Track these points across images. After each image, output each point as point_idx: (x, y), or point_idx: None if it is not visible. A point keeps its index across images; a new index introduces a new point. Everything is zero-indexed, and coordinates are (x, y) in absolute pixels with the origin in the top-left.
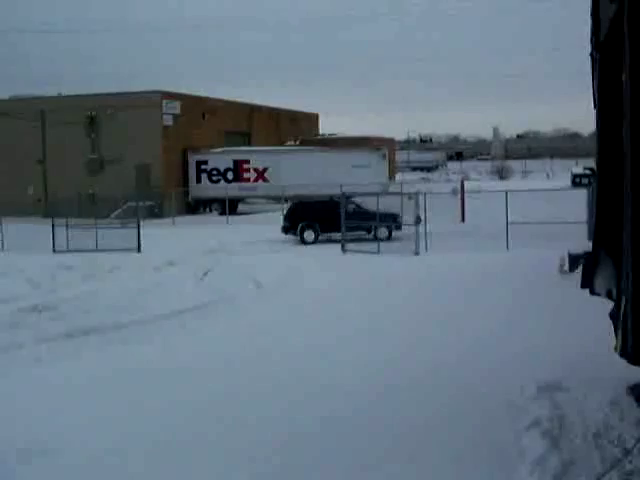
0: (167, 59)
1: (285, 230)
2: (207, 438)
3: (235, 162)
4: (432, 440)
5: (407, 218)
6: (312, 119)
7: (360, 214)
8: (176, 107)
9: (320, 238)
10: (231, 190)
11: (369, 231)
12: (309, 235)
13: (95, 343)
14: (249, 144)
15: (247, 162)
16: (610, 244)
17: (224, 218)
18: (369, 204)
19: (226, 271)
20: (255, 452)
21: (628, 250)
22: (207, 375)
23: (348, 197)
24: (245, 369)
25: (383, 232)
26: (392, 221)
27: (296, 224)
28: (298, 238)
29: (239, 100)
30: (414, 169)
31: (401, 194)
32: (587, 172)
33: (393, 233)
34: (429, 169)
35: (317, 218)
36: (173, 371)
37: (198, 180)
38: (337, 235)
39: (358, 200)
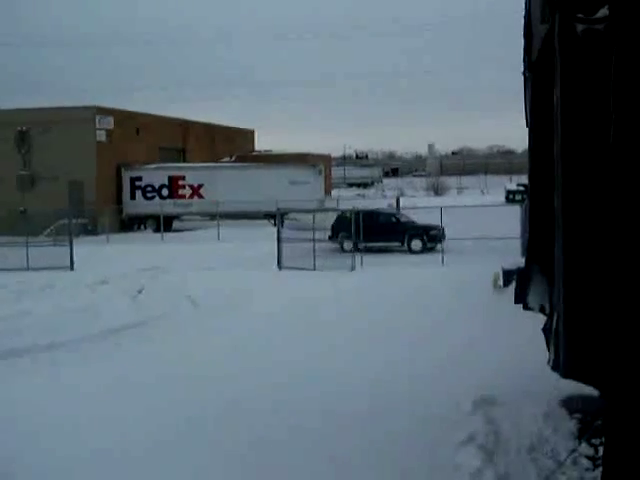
0: (116, 75)
1: (330, 238)
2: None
3: (170, 178)
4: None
5: None
6: (248, 135)
7: (399, 225)
8: (110, 122)
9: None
10: (166, 207)
11: (402, 242)
12: (348, 245)
13: (27, 365)
14: (184, 160)
15: (182, 178)
16: (542, 260)
17: (159, 235)
18: (412, 216)
19: (161, 289)
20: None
21: (560, 266)
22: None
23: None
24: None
25: (417, 244)
26: (427, 234)
27: (338, 233)
28: (339, 246)
29: (173, 116)
30: (350, 185)
31: (337, 210)
32: (520, 189)
33: (437, 246)
34: (365, 185)
35: (356, 229)
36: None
37: (132, 197)
38: (375, 245)
39: (399, 213)
